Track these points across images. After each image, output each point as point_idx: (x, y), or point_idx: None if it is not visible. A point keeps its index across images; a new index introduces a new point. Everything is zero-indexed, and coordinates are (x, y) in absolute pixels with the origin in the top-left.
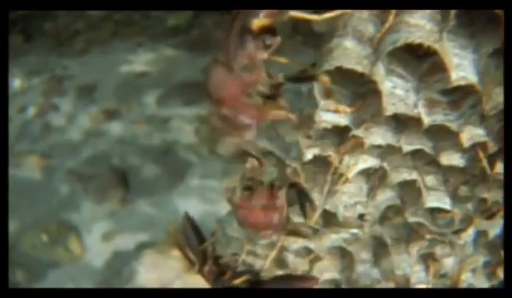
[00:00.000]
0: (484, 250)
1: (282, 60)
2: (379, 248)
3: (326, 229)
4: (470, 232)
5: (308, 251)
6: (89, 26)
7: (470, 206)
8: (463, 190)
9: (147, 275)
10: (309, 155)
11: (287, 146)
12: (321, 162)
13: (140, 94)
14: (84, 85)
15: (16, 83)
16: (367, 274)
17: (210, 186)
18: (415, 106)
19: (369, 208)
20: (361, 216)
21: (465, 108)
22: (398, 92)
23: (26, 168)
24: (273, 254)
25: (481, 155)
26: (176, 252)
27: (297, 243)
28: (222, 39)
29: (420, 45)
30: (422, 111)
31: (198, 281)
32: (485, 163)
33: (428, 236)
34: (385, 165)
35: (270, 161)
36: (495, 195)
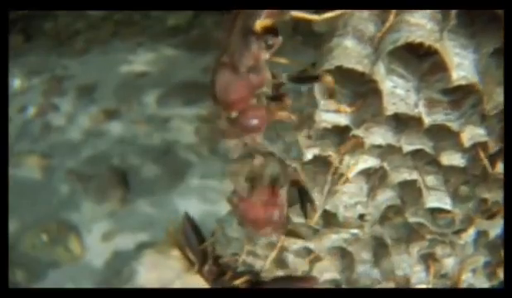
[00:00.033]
0: (484, 250)
1: (283, 60)
2: (380, 248)
3: (326, 229)
4: (471, 232)
5: (308, 251)
6: (89, 26)
7: (470, 206)
8: (464, 190)
9: (147, 275)
10: (309, 155)
11: (287, 146)
12: (321, 162)
13: (140, 94)
14: (84, 85)
15: (16, 83)
16: (367, 274)
17: (210, 186)
18: (416, 105)
19: (369, 208)
20: (361, 216)
21: (465, 107)
22: (398, 91)
23: (26, 168)
24: (273, 254)
25: (482, 155)
26: (176, 252)
27: (296, 244)
28: (223, 40)
29: (421, 45)
30: (422, 110)
31: (198, 281)
32: (486, 162)
33: (429, 236)
34: (385, 165)
35: (271, 160)
36: (495, 195)
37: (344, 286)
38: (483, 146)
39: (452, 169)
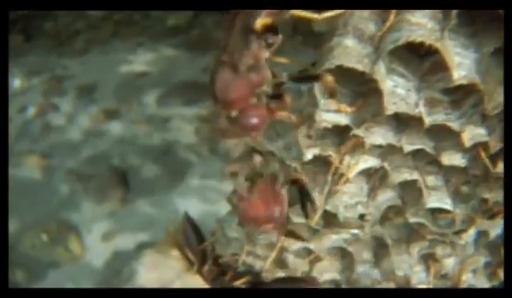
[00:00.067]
0: (485, 250)
1: (283, 60)
2: (380, 249)
3: (326, 230)
4: (472, 232)
5: (308, 251)
6: (89, 26)
7: (471, 206)
8: (464, 190)
9: (147, 275)
10: (309, 155)
11: (287, 146)
12: (321, 162)
13: (140, 94)
14: (84, 85)
15: (16, 83)
16: (367, 274)
17: (210, 186)
18: (416, 105)
19: (369, 208)
20: (362, 216)
21: (466, 107)
22: (399, 91)
23: (26, 168)
24: (273, 255)
25: (483, 155)
26: (176, 252)
27: (296, 244)
28: (223, 39)
29: (421, 44)
30: (423, 110)
31: (198, 281)
32: (487, 162)
33: (429, 236)
34: (386, 165)
35: (271, 160)
36: (496, 195)
37: (344, 287)
38: (484, 146)
39: (453, 169)
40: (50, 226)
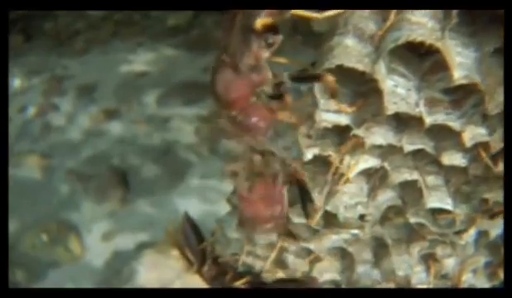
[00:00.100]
0: (485, 250)
1: (282, 60)
2: (380, 249)
3: (326, 230)
4: (472, 232)
5: (308, 252)
6: (89, 26)
7: (471, 206)
8: (465, 191)
9: (147, 275)
10: (309, 155)
11: (287, 146)
12: (321, 162)
13: (140, 94)
14: (84, 85)
15: (16, 83)
16: (367, 275)
17: (210, 186)
18: (416, 105)
19: (369, 208)
20: (362, 216)
21: (467, 107)
22: (399, 91)
23: (26, 168)
24: (273, 255)
25: (483, 155)
26: (176, 252)
27: (296, 245)
28: (223, 39)
29: (422, 44)
30: (423, 110)
31: (198, 281)
32: (488, 162)
33: (429, 236)
34: (386, 165)
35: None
36: (496, 196)
37: (344, 287)
38: (484, 146)
39: (453, 169)
40: (50, 226)
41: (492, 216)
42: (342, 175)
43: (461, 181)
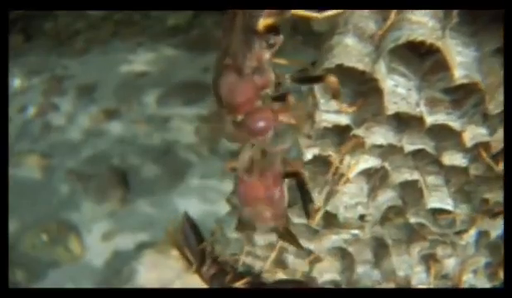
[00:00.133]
0: (485, 251)
1: (282, 61)
2: (380, 249)
3: (326, 230)
4: (472, 232)
5: (308, 252)
6: (89, 26)
7: (472, 206)
8: (465, 191)
9: (147, 275)
10: (309, 155)
11: (287, 146)
12: (321, 162)
13: (140, 94)
14: (84, 85)
15: (16, 83)
16: (368, 275)
17: (210, 186)
18: (417, 105)
19: (369, 208)
20: (362, 217)
21: (467, 107)
22: (399, 90)
23: (26, 168)
24: (273, 255)
25: (484, 155)
26: (175, 252)
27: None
28: (223, 41)
29: (422, 43)
30: (424, 110)
31: (198, 281)
32: (489, 162)
33: (430, 237)
34: (386, 165)
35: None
36: (496, 196)
37: (344, 287)
38: (485, 146)
39: (454, 169)
40: (50, 226)
41: (493, 216)
42: (342, 175)
43: (462, 181)
